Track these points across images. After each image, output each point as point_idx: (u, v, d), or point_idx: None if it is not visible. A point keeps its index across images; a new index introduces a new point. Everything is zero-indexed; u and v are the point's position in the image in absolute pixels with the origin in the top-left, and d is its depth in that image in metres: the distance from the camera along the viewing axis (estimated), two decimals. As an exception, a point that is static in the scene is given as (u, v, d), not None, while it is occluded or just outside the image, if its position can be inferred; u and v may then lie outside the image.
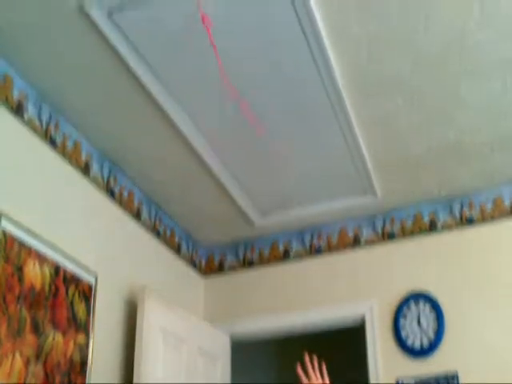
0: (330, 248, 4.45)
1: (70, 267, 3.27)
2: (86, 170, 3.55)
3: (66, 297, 3.21)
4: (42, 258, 3.08)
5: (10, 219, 2.92)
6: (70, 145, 3.44)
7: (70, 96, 3.29)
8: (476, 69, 3.20)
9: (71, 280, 3.26)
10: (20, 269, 2.93)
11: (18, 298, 2.90)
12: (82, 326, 3.30)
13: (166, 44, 2.97)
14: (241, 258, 4.68)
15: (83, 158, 3.54)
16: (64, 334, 3.16)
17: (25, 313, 2.92)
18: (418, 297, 4.08)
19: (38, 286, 3.03)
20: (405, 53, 3.09)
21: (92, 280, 3.42)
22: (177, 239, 4.45)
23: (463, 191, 4.16)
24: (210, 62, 3.05)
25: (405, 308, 4.10)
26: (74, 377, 3.18)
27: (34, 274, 3.02)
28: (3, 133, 3.03)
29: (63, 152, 3.38)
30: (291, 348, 4.97)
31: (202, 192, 4.10)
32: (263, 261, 4.60)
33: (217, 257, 4.76)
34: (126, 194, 3.89)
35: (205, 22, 2.76)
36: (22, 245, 2.97)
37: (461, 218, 4.17)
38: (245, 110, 3.16)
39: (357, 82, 3.25)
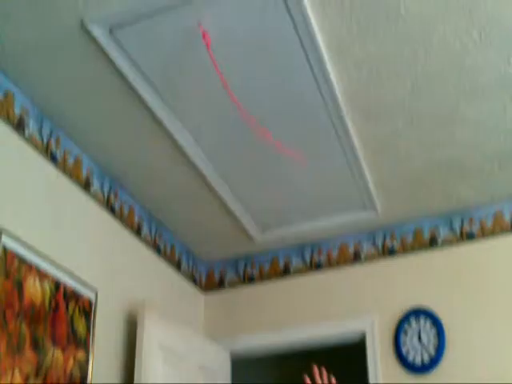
0: (331, 263, 4.45)
1: (71, 283, 3.27)
2: (86, 185, 3.56)
3: (66, 313, 3.21)
4: (42, 274, 3.08)
5: (10, 235, 2.92)
6: (70, 161, 3.45)
7: (71, 112, 3.30)
8: (475, 89, 3.22)
9: (71, 296, 3.26)
10: (20, 285, 2.94)
11: (18, 314, 2.90)
12: (82, 342, 3.29)
13: (166, 60, 2.99)
14: (241, 273, 4.68)
15: (84, 173, 3.55)
16: (64, 350, 3.15)
17: (24, 329, 2.92)
18: (418, 313, 4.07)
19: (37, 301, 3.03)
20: (405, 74, 3.12)
21: (92, 296, 3.42)
22: (177, 255, 4.45)
23: (463, 207, 4.17)
24: (210, 78, 3.07)
25: (405, 324, 4.09)
26: (74, 393, 3.18)
27: (34, 289, 3.02)
28: (4, 148, 3.04)
29: (64, 168, 3.40)
30: (291, 364, 4.97)
31: (202, 208, 4.10)
32: (263, 276, 4.60)
33: (217, 272, 4.76)
34: (126, 209, 3.90)
35: (205, 38, 2.78)
36: (22, 261, 2.97)
37: (461, 234, 4.17)
38: (246, 116, 3.16)
39: (358, 102, 3.28)
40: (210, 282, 4.76)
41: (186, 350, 3.99)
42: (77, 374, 3.22)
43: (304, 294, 4.44)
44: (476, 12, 2.80)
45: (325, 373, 2.58)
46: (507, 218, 4.08)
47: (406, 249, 4.29)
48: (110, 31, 2.82)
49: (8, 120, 3.05)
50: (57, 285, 3.17)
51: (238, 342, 4.50)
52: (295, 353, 4.61)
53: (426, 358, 3.97)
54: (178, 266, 4.44)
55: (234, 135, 3.49)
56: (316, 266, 4.48)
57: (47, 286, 3.11)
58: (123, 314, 3.74)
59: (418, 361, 3.99)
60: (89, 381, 3.29)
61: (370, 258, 4.36)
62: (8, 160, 3.05)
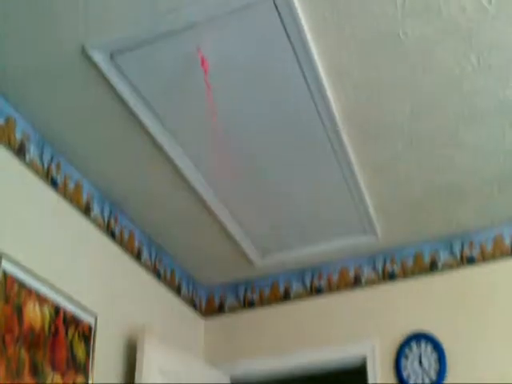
0: (331, 288, 4.45)
1: (70, 308, 3.27)
2: (86, 210, 3.57)
3: (66, 337, 3.20)
4: (41, 299, 3.08)
5: (10, 259, 2.92)
6: (71, 185, 3.46)
7: (72, 137, 3.32)
8: (474, 113, 3.24)
9: (71, 320, 3.26)
10: (20, 309, 2.93)
11: (18, 338, 2.89)
12: (82, 367, 3.28)
13: (167, 85, 3.01)
14: (241, 298, 4.67)
15: (84, 198, 3.56)
16: (63, 375, 3.14)
17: (24, 354, 2.91)
18: (419, 337, 4.06)
19: (37, 326, 3.02)
20: (404, 98, 3.14)
21: (92, 320, 3.42)
22: (177, 279, 4.44)
23: (463, 231, 4.17)
24: (206, 103, 3.09)
25: (406, 348, 4.07)
26: (73, 419, 3.16)
27: (34, 314, 3.01)
28: (5, 173, 3.05)
29: (64, 193, 3.41)
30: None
31: (202, 233, 4.11)
32: (263, 301, 4.59)
33: (217, 297, 4.75)
34: (126, 234, 3.90)
35: (203, 64, 2.81)
36: (22, 285, 2.97)
37: (461, 258, 4.17)
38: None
39: (357, 126, 3.30)
40: (210, 306, 4.75)
41: (186, 374, 3.97)
42: (76, 399, 3.20)
43: (304, 319, 4.43)
44: (474, 37, 2.82)
45: None
46: (507, 241, 4.08)
47: (407, 273, 4.28)
48: (111, 57, 2.85)
49: (9, 145, 3.07)
50: (56, 309, 3.17)
51: (238, 366, 4.48)
52: (296, 378, 4.59)
53: (427, 383, 3.95)
54: (177, 290, 4.43)
55: (235, 161, 3.50)
56: (316, 291, 4.47)
57: (47, 311, 3.10)
58: (123, 338, 3.73)
59: (419, 385, 3.98)
60: (88, 406, 3.28)
61: (371, 283, 4.35)
62: (9, 185, 3.06)
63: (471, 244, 4.17)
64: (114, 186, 3.68)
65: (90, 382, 3.31)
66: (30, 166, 3.19)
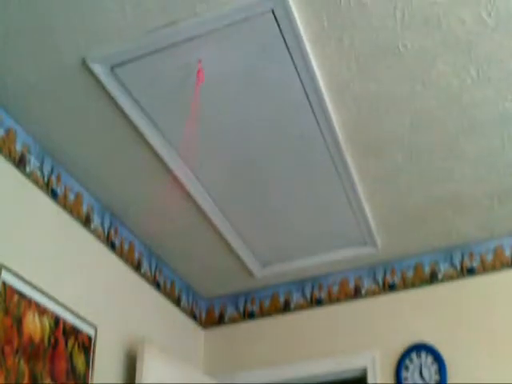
0: (331, 299, 4.44)
1: (70, 319, 3.27)
2: (87, 221, 3.57)
3: (66, 349, 3.20)
4: (41, 310, 3.07)
5: (10, 271, 2.93)
6: (71, 197, 3.47)
7: (72, 149, 3.33)
8: (474, 125, 3.25)
9: (71, 332, 3.25)
10: (19, 321, 2.93)
11: (17, 350, 2.89)
12: (81, 378, 3.28)
13: (167, 97, 3.02)
14: (241, 309, 4.67)
15: (84, 210, 3.56)
16: (62, 386, 3.14)
17: (23, 365, 2.90)
18: (419, 348, 4.05)
19: (37, 338, 3.02)
20: (404, 110, 3.15)
21: (92, 332, 3.41)
22: (177, 291, 4.44)
23: (463, 242, 4.17)
24: (210, 116, 3.10)
25: (407, 359, 4.07)
26: (72, 431, 3.16)
27: (34, 325, 3.01)
28: (5, 184, 3.05)
29: (64, 204, 3.41)
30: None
31: (202, 244, 4.11)
32: (264, 312, 4.59)
33: (217, 308, 4.74)
34: (126, 245, 3.91)
35: (199, 76, 2.81)
36: (21, 296, 2.97)
37: (462, 269, 4.17)
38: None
39: (357, 138, 3.31)
40: (210, 317, 4.75)
41: (185, 386, 3.97)
42: (76, 411, 3.20)
43: (305, 330, 4.42)
44: (474, 49, 2.83)
45: None
46: (507, 253, 4.08)
47: (407, 284, 4.28)
48: (111, 69, 2.86)
49: (9, 157, 3.07)
50: (56, 321, 3.16)
51: (237, 378, 4.47)
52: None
53: (428, 394, 3.95)
54: (177, 301, 4.43)
55: (235, 173, 3.51)
56: (317, 302, 4.47)
57: (46, 322, 3.10)
58: (123, 349, 3.73)
59: (420, 396, 3.97)
60: (88, 418, 3.27)
61: (371, 294, 4.35)
62: (9, 196, 3.07)
63: (471, 255, 4.16)
64: (114, 197, 3.68)
65: (89, 393, 3.31)
66: (31, 177, 3.19)
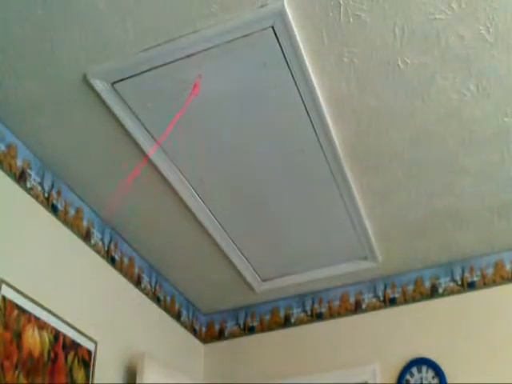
0: (332, 313, 4.44)
1: (70, 333, 3.26)
2: (87, 236, 3.57)
3: (65, 363, 3.19)
4: (41, 325, 3.07)
5: (10, 286, 2.93)
6: (71, 212, 3.47)
7: (73, 164, 3.33)
8: (474, 140, 3.26)
9: (71, 346, 3.25)
10: (19, 335, 2.93)
11: (17, 364, 2.88)
12: (81, 394, 3.27)
13: (167, 112, 3.02)
14: (241, 324, 4.66)
15: (84, 225, 3.57)
16: (62, 402, 3.13)
17: (22, 380, 2.89)
18: (420, 362, 4.05)
19: (36, 352, 3.02)
20: (404, 125, 3.16)
21: (92, 346, 3.41)
22: (177, 306, 4.44)
23: (464, 256, 4.17)
24: (209, 130, 3.10)
25: (407, 374, 4.06)
26: None
27: (33, 340, 3.01)
28: (5, 199, 3.06)
29: (65, 219, 3.41)
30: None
31: (202, 259, 4.11)
32: (264, 327, 4.59)
33: (217, 323, 4.74)
34: (126, 260, 3.91)
35: (194, 89, 2.82)
36: (21, 311, 2.97)
37: (462, 283, 4.17)
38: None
39: (357, 153, 3.32)
40: (211, 332, 4.74)
41: (185, 401, 3.96)
42: (75, 426, 3.19)
43: (305, 345, 4.41)
44: (473, 65, 2.84)
45: None
46: (508, 267, 4.08)
47: (408, 298, 4.28)
48: (112, 85, 2.87)
49: (10, 172, 3.08)
50: (56, 335, 3.16)
51: (238, 392, 4.46)
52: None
53: (429, 409, 3.94)
54: (178, 316, 4.42)
55: (235, 187, 3.51)
56: (317, 317, 4.47)
57: (46, 337, 3.10)
58: (123, 364, 3.72)
59: (421, 412, 3.96)
60: (87, 434, 3.26)
61: (372, 308, 4.35)
62: (9, 211, 3.07)
63: (472, 269, 4.16)
64: (114, 213, 3.68)
65: (89, 409, 3.31)
66: (31, 192, 3.20)
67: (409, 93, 2.98)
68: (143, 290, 4.05)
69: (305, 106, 2.98)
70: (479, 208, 3.74)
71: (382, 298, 4.34)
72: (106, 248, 3.73)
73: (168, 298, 4.33)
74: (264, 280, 4.39)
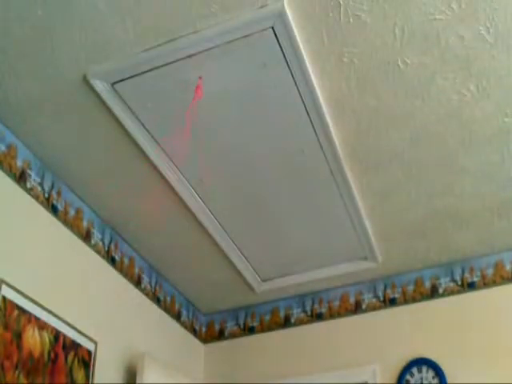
0: (332, 313, 4.44)
1: (70, 334, 3.26)
2: (87, 237, 3.57)
3: (65, 363, 3.19)
4: (41, 325, 3.07)
5: (10, 286, 2.93)
6: (71, 212, 3.47)
7: (73, 164, 3.33)
8: (473, 140, 3.26)
9: (71, 346, 3.25)
10: (19, 335, 2.93)
11: (17, 365, 2.88)
12: (81, 394, 3.27)
13: (167, 112, 3.03)
14: (241, 324, 4.66)
15: (85, 225, 3.57)
16: (62, 402, 3.13)
17: (23, 380, 2.90)
18: (420, 363, 4.05)
19: (36, 352, 3.02)
20: (404, 126, 3.16)
21: (92, 346, 3.41)
22: (177, 306, 4.44)
23: (464, 256, 4.17)
24: (210, 130, 3.11)
25: (407, 374, 4.06)
26: None
27: (33, 340, 3.01)
28: (5, 200, 3.06)
29: (65, 219, 3.41)
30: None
31: (202, 259, 4.11)
32: (264, 327, 4.59)
33: (217, 323, 4.74)
34: (126, 260, 3.91)
35: (197, 92, 2.83)
36: (21, 311, 2.97)
37: (462, 283, 4.17)
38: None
39: (357, 153, 3.32)
40: (211, 332, 4.74)
41: (185, 401, 3.96)
42: (75, 426, 3.19)
43: (305, 345, 4.41)
44: (473, 65, 2.84)
45: None
46: (508, 267, 4.08)
47: (408, 299, 4.28)
48: (112, 85, 2.87)
49: (10, 172, 3.08)
50: (56, 335, 3.16)
51: (238, 392, 4.46)
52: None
53: (429, 409, 3.94)
54: (178, 316, 4.42)
55: (235, 187, 3.51)
56: (317, 317, 4.47)
57: (46, 337, 3.10)
58: (123, 364, 3.72)
59: (421, 412, 3.96)
60: (87, 434, 3.27)
61: (372, 308, 4.35)
62: (9, 211, 3.07)
63: (472, 270, 4.16)
64: (114, 213, 3.69)
65: (89, 409, 3.31)
66: (31, 192, 3.20)
67: (409, 93, 2.98)
68: (143, 290, 4.05)
69: (305, 106, 2.98)
70: (479, 208, 3.74)
71: (382, 298, 4.34)
72: (106, 248, 3.73)
73: (168, 298, 4.33)
74: (264, 280, 4.39)
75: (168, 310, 4.31)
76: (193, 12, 2.58)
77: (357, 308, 4.39)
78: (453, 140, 3.25)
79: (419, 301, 4.25)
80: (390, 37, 2.70)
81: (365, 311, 4.37)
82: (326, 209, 3.69)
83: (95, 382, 3.40)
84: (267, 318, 4.60)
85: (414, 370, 4.05)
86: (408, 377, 4.05)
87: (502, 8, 2.59)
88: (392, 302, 4.31)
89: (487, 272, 4.12)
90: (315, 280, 4.35)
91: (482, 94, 2.99)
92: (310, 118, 3.04)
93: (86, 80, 2.85)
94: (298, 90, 2.89)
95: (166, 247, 4.00)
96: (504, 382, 3.79)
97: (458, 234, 3.96)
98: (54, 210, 3.34)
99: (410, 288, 4.29)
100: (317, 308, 4.49)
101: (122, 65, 2.77)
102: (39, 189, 3.26)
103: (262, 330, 4.58)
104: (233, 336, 4.66)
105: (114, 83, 2.86)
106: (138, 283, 4.00)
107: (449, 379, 3.95)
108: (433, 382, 3.98)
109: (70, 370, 3.22)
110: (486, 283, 4.11)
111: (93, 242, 3.61)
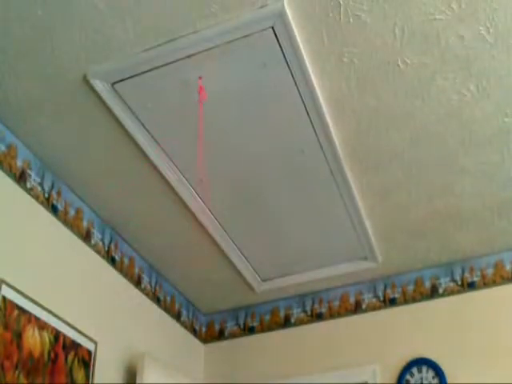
0: (332, 313, 4.44)
1: (70, 333, 3.26)
2: (87, 237, 3.57)
3: (65, 363, 3.19)
4: (41, 325, 3.07)
5: (10, 286, 2.93)
6: (71, 212, 3.47)
7: (73, 164, 3.34)
8: (474, 140, 3.26)
9: (71, 346, 3.25)
10: (19, 335, 2.93)
11: (17, 365, 2.88)
12: (81, 394, 3.27)
13: (167, 112, 3.03)
14: (241, 324, 4.66)
15: (85, 225, 3.57)
16: (62, 402, 3.13)
17: (23, 380, 2.90)
18: (420, 363, 4.05)
19: (36, 352, 3.02)
20: (404, 126, 3.16)
21: (92, 346, 3.41)
22: (177, 306, 4.44)
23: (464, 256, 4.17)
24: (210, 131, 3.11)
25: (407, 374, 4.06)
26: None
27: (33, 340, 3.01)
28: (5, 200, 3.06)
29: (65, 219, 3.42)
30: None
31: (202, 259, 4.11)
32: (264, 327, 4.59)
33: (217, 323, 4.74)
34: (126, 260, 3.91)
35: (201, 94, 2.83)
36: (21, 311, 2.97)
37: (462, 283, 4.17)
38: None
39: (357, 153, 3.32)
40: (210, 332, 4.74)
41: (185, 401, 3.96)
42: (75, 426, 3.19)
43: (305, 345, 4.41)
44: (473, 65, 2.84)
45: None
46: (508, 267, 4.08)
47: (408, 299, 4.28)
48: (112, 85, 2.87)
49: (10, 172, 3.08)
50: (56, 335, 3.16)
51: (238, 392, 4.46)
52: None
53: (429, 409, 3.94)
54: (178, 316, 4.42)
55: (235, 187, 3.52)
56: (317, 317, 4.47)
57: (46, 337, 3.10)
58: (123, 364, 3.72)
59: (421, 412, 3.96)
60: (87, 434, 3.27)
61: (372, 308, 4.35)
62: (9, 211, 3.07)
63: (472, 269, 4.17)
64: (114, 213, 3.69)
65: (89, 409, 3.31)
66: (31, 192, 3.20)
67: (409, 93, 2.98)
68: (143, 290, 4.05)
69: (305, 106, 2.98)
70: (479, 208, 3.74)
71: (382, 298, 4.35)
72: (106, 248, 3.73)
73: (168, 298, 4.33)
74: (264, 280, 4.39)
75: (168, 309, 4.31)
76: (193, 12, 2.58)
77: (357, 308, 4.39)
78: (453, 140, 3.25)
79: (419, 301, 4.25)
80: (390, 37, 2.70)
81: (365, 311, 4.37)
82: (325, 209, 3.69)
83: (95, 381, 3.40)
84: (267, 317, 4.60)
85: (414, 369, 4.05)
86: (408, 377, 4.05)
87: (501, 8, 2.59)
88: (392, 302, 4.31)
89: (487, 272, 4.12)
90: (315, 280, 4.35)
91: (482, 93, 2.99)
92: (310, 117, 3.04)
93: (86, 80, 2.85)
94: (298, 90, 2.89)
95: (166, 247, 4.00)
96: (504, 382, 3.79)
97: (458, 234, 3.96)
98: (54, 209, 3.34)
99: (410, 288, 4.29)
100: (317, 308, 4.49)
101: (122, 65, 2.77)
102: (39, 189, 3.26)
103: (262, 330, 4.58)
104: (233, 336, 4.66)
105: (114, 83, 2.86)
106: (137, 283, 4.00)
107: (449, 379, 3.95)
108: (433, 381, 3.98)
109: (70, 370, 3.22)
110: (486, 283, 4.11)
111: (93, 241, 3.62)
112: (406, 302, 4.28)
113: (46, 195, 3.31)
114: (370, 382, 4.15)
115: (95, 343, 3.44)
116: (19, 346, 2.92)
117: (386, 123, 3.14)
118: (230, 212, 3.71)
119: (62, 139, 3.18)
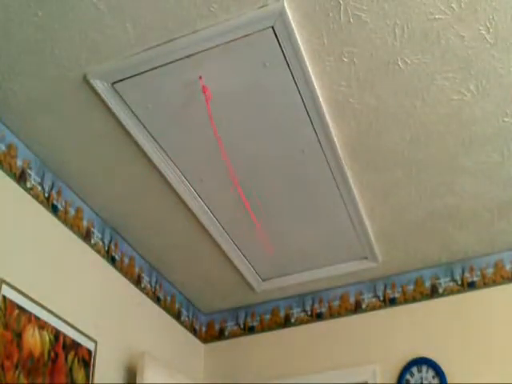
0: (332, 313, 4.44)
1: (70, 333, 3.26)
2: (87, 236, 3.57)
3: (66, 363, 3.19)
4: (41, 324, 3.07)
5: (10, 286, 2.93)
6: (71, 212, 3.47)
7: (73, 163, 3.34)
8: (473, 139, 3.26)
9: (71, 346, 3.25)
10: (19, 335, 2.93)
11: (17, 364, 2.88)
12: (81, 394, 3.27)
13: (167, 112, 3.03)
14: (241, 324, 4.66)
15: (85, 224, 3.57)
16: (62, 401, 3.13)
17: (23, 379, 2.90)
18: (420, 362, 4.05)
19: (37, 352, 3.02)
20: (403, 125, 3.16)
21: (92, 345, 3.41)
22: (177, 306, 4.44)
23: (464, 256, 4.17)
24: (210, 131, 3.10)
25: (408, 374, 4.06)
26: None
27: (34, 340, 3.01)
28: (5, 199, 3.06)
29: (65, 219, 3.42)
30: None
31: (202, 259, 4.11)
32: (264, 327, 4.59)
33: (217, 323, 4.74)
34: (126, 260, 3.91)
35: (205, 93, 2.83)
36: (21, 311, 2.97)
37: (462, 283, 4.17)
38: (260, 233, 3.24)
39: (357, 153, 3.32)
40: (210, 332, 4.74)
41: (185, 401, 3.96)
42: (75, 426, 3.19)
43: (305, 345, 4.41)
44: (473, 65, 2.84)
45: None
46: (508, 267, 4.08)
47: (408, 298, 4.28)
48: (112, 85, 2.87)
49: (10, 172, 3.08)
50: (56, 335, 3.16)
51: (238, 392, 4.46)
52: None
53: (429, 409, 3.94)
54: (178, 316, 4.42)
55: (236, 188, 3.51)
56: (317, 316, 4.47)
57: (46, 337, 3.10)
58: (123, 363, 3.72)
59: (421, 412, 3.96)
60: (87, 433, 3.27)
61: (372, 308, 4.35)
62: (9, 211, 3.07)
63: (472, 269, 4.17)
64: (114, 212, 3.69)
65: (89, 408, 3.31)
66: (31, 192, 3.20)
67: (409, 93, 2.98)
68: (143, 290, 4.05)
69: (305, 106, 2.98)
70: (479, 208, 3.74)
71: (381, 298, 4.35)
72: (106, 248, 3.73)
73: (168, 298, 4.33)
74: (264, 280, 4.39)
75: (168, 309, 4.31)
76: (193, 12, 2.58)
77: (357, 308, 4.40)
78: (453, 139, 3.25)
79: (419, 300, 4.25)
80: (390, 36, 2.70)
81: (365, 311, 4.37)
82: (325, 209, 3.69)
83: (95, 381, 3.40)
84: (267, 317, 4.60)
85: (414, 369, 4.05)
86: (408, 377, 4.05)
87: (501, 8, 2.59)
88: (392, 302, 4.31)
89: (487, 272, 4.12)
90: (315, 280, 4.36)
91: (482, 94, 2.99)
92: (309, 117, 3.04)
93: (86, 80, 2.85)
94: (298, 90, 2.89)
95: (166, 247, 4.00)
96: (504, 382, 3.79)
97: (458, 234, 3.96)
98: (54, 209, 3.34)
99: (410, 288, 4.29)
100: (317, 308, 4.49)
101: (122, 65, 2.77)
102: (39, 188, 3.26)
103: (262, 330, 4.58)
104: (233, 336, 4.66)
105: (114, 83, 2.86)
106: (137, 283, 4.00)
107: (449, 379, 3.95)
108: (433, 381, 3.98)
109: (70, 370, 3.22)
110: (486, 283, 4.11)
111: (93, 241, 3.62)
112: (405, 301, 4.28)
113: (46, 195, 3.31)
114: (370, 381, 4.15)
115: (95, 343, 3.44)
116: (19, 346, 2.92)
117: (386, 123, 3.14)
118: (230, 212, 3.71)
119: (62, 139, 3.18)
